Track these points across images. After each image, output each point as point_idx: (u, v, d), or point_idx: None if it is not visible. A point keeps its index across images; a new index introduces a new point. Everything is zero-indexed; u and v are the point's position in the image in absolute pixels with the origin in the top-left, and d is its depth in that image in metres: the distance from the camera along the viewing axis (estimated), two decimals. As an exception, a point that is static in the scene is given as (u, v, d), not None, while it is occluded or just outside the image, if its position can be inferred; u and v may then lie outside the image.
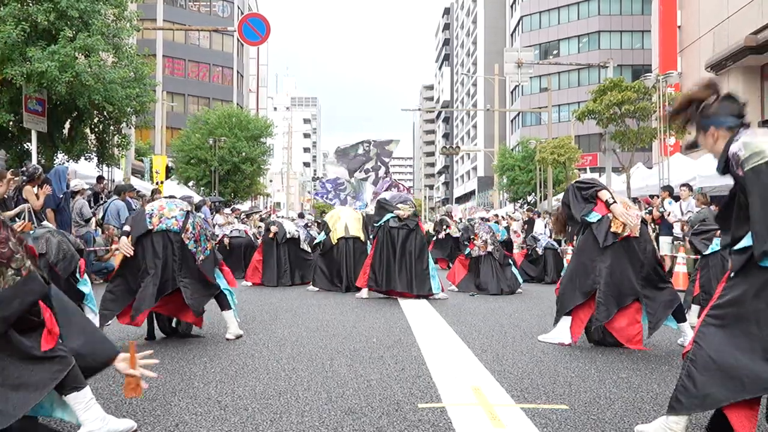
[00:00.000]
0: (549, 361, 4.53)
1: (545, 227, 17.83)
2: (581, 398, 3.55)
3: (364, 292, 8.84)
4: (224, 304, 5.31)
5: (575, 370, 4.27)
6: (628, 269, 5.06)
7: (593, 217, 5.19)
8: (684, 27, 30.01)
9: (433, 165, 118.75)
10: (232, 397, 3.47)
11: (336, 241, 10.13)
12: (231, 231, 13.41)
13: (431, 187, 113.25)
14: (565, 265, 13.06)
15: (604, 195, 5.19)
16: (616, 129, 22.34)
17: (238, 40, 41.47)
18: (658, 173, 18.65)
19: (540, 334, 5.57)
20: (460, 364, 4.43)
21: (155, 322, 5.46)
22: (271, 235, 11.23)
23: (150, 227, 5.08)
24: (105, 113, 16.33)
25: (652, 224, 12.38)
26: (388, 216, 8.87)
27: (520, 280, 10.55)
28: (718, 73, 26.50)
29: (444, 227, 17.77)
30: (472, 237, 10.61)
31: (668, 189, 13.81)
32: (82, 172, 16.01)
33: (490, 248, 10.39)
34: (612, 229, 5.06)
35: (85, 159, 16.62)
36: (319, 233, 11.36)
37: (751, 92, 24.39)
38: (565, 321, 5.28)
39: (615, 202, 5.13)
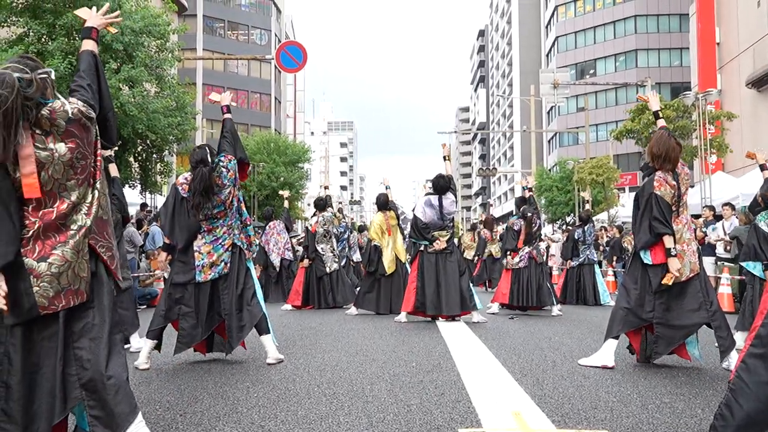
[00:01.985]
0: (590, 386, 4.50)
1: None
2: (623, 424, 3.52)
3: (403, 316, 8.84)
4: (262, 329, 5.33)
5: (617, 394, 4.23)
6: (685, 306, 5.02)
7: (646, 258, 5.06)
8: (723, 44, 29.60)
9: (470, 186, 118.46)
10: (275, 422, 3.52)
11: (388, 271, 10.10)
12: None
13: (468, 208, 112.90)
14: (600, 284, 12.84)
15: (668, 242, 4.92)
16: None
17: (275, 66, 42.16)
18: (699, 192, 18.34)
19: (581, 358, 5.52)
20: (499, 388, 4.43)
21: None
22: (303, 264, 11.23)
23: (201, 279, 5.08)
24: (148, 142, 16.76)
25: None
26: (424, 243, 8.80)
27: (554, 300, 10.48)
28: (759, 89, 26.06)
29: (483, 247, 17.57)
30: (512, 249, 10.53)
31: (711, 208, 13.59)
32: (126, 199, 16.43)
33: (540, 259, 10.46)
34: (663, 281, 4.94)
35: (129, 187, 17.03)
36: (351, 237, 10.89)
37: (795, 108, 23.91)
38: (611, 344, 5.23)
39: (674, 255, 4.88)
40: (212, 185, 5.06)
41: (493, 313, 10.18)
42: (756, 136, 25.81)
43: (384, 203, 10.39)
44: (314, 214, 11.62)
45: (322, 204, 11.42)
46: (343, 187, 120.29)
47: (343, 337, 7.24)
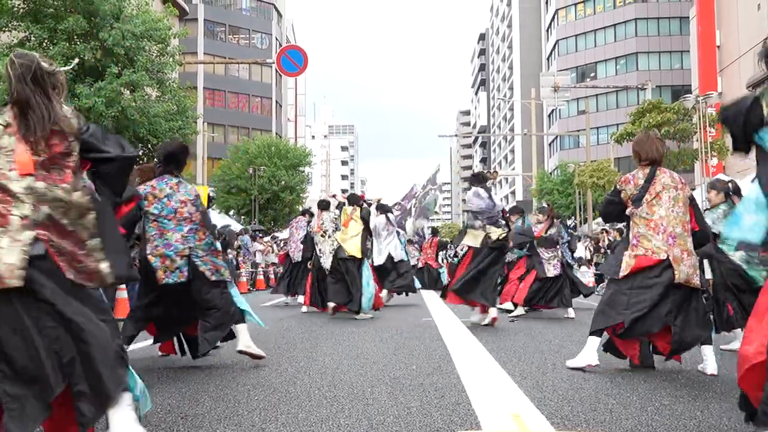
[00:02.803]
0: (590, 388, 4.51)
1: (585, 250, 17.61)
2: (622, 426, 3.53)
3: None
4: (238, 319, 5.39)
5: (617, 396, 4.24)
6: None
7: None
8: (723, 46, 29.63)
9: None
10: (275, 425, 3.54)
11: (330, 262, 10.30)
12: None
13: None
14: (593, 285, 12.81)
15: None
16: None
17: (276, 70, 42.23)
18: (700, 195, 18.34)
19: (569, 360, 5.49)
20: (499, 390, 4.44)
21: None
22: (310, 266, 11.45)
23: (162, 279, 5.11)
24: (149, 146, 16.79)
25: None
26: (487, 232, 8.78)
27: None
28: (760, 92, 26.02)
29: None
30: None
31: (712, 211, 13.58)
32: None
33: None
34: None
35: (130, 190, 17.10)
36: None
37: (796, 111, 23.89)
38: (593, 342, 5.22)
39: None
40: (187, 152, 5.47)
41: (518, 316, 10.24)
42: (757, 138, 25.85)
43: (355, 200, 10.69)
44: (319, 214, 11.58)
45: (325, 204, 11.46)
46: (344, 191, 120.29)
47: (344, 340, 7.25)
